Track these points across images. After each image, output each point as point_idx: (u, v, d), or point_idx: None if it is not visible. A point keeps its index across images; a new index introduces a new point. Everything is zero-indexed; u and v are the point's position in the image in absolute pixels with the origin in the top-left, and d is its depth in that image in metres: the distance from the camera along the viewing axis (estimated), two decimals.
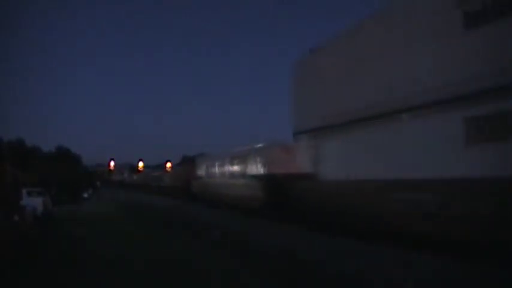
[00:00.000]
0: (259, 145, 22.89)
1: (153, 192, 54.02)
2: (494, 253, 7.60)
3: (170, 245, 11.77)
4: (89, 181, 58.82)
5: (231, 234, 13.34)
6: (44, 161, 49.96)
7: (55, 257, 10.19)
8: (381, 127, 11.53)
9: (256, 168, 21.78)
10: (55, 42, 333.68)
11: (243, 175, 23.40)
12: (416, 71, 10.33)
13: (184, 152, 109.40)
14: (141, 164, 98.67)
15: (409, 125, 10.55)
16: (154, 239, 12.97)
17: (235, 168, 25.27)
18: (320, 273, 8.05)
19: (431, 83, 9.79)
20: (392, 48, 11.30)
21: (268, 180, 18.96)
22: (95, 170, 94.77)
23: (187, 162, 47.21)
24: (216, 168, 29.31)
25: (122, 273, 8.24)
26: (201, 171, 33.18)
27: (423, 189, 9.56)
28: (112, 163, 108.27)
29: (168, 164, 77.51)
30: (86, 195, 43.87)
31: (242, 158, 24.32)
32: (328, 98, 14.35)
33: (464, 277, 7.30)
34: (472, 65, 8.75)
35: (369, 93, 12.13)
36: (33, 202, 19.02)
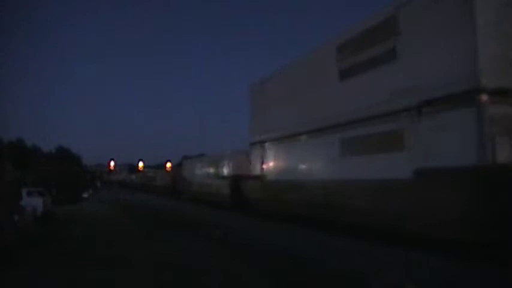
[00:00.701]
0: (228, 152, 28.03)
1: (149, 192, 57.53)
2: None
3: (165, 240, 12.97)
4: (89, 181, 58.83)
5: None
6: (44, 161, 49.79)
7: (55, 256, 10.27)
8: (299, 142, 16.28)
9: (226, 170, 26.89)
10: (55, 42, 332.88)
11: (216, 176, 28.47)
12: (314, 105, 15.11)
13: (185, 152, 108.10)
14: (141, 164, 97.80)
15: (310, 142, 15.38)
16: (152, 237, 13.47)
17: (211, 170, 30.50)
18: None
19: (322, 114, 14.49)
20: (304, 86, 15.99)
21: (231, 180, 24.03)
22: (95, 170, 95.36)
23: (175, 165, 54.03)
24: (197, 171, 34.88)
25: (122, 272, 8.37)
26: (186, 173, 38.59)
27: (317, 186, 14.37)
28: (112, 163, 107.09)
29: (168, 164, 76.34)
30: (86, 195, 43.92)
31: (216, 162, 29.63)
32: (271, 117, 18.82)
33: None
34: (345, 103, 13.17)
35: (294, 117, 16.61)
36: (33, 202, 19.32)
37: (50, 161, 50.77)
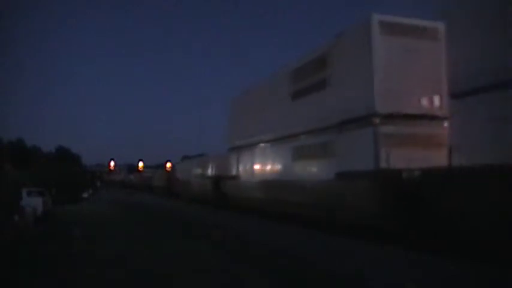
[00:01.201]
0: (213, 155, 31.94)
1: (147, 192, 60.00)
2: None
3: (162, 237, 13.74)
4: (88, 181, 58.30)
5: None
6: (44, 161, 49.35)
7: (55, 256, 10.18)
8: (263, 149, 19.89)
9: (210, 171, 30.00)
10: (55, 42, 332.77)
11: (202, 177, 31.92)
12: (274, 119, 18.62)
13: (186, 152, 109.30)
14: (141, 164, 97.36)
15: (271, 149, 18.92)
16: (151, 236, 13.88)
17: (198, 171, 33.85)
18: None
19: (279, 126, 18.03)
20: (267, 103, 19.65)
21: (213, 180, 27.71)
22: (95, 170, 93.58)
23: (160, 168, 57.18)
24: (187, 172, 38.51)
25: (122, 272, 8.41)
26: (178, 174, 42.65)
27: (274, 185, 18.00)
28: (112, 163, 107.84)
29: (168, 164, 77.19)
30: (85, 195, 43.68)
31: (202, 164, 33.07)
32: (243, 127, 22.65)
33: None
34: (295, 118, 16.50)
35: (260, 128, 20.20)
36: (33, 202, 18.99)
37: (50, 161, 50.38)
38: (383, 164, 11.22)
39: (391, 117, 11.45)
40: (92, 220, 19.72)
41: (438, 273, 7.80)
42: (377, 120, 11.47)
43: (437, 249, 8.83)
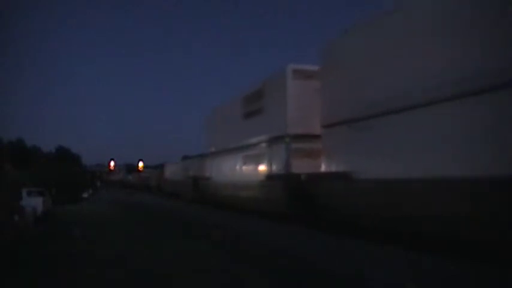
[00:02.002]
0: (192, 159, 38.61)
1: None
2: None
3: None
4: (88, 181, 59.15)
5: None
6: (44, 161, 50.35)
7: (55, 256, 10.24)
8: (225, 156, 25.21)
9: (191, 172, 35.29)
10: (55, 42, 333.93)
11: (184, 177, 37.83)
12: (232, 133, 24.35)
13: (186, 152, 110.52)
14: (141, 164, 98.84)
15: (230, 156, 24.16)
16: (151, 236, 14.21)
17: (181, 172, 40.12)
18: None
19: (235, 139, 23.16)
20: (228, 119, 25.47)
21: (192, 180, 33.28)
22: (95, 170, 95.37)
23: (159, 168, 62.74)
24: (173, 172, 45.59)
25: (122, 272, 8.49)
26: (166, 175, 50.02)
27: (231, 185, 23.43)
28: (112, 163, 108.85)
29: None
30: (85, 195, 44.31)
31: (185, 166, 39.63)
32: (214, 137, 28.09)
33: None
34: (245, 134, 21.42)
35: (224, 139, 25.76)
36: (33, 202, 19.09)
37: (50, 161, 51.41)
38: (292, 170, 16.49)
39: (298, 137, 16.68)
40: (92, 220, 19.96)
41: (438, 273, 7.78)
42: (288, 139, 16.84)
43: (436, 250, 9.07)
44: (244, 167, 21.80)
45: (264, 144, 19.16)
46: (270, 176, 18.25)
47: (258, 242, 12.42)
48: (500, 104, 8.03)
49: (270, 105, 18.85)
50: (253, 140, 20.40)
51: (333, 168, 14.05)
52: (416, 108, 10.12)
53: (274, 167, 18.07)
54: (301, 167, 16.06)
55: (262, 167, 19.34)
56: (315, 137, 15.47)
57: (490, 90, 8.21)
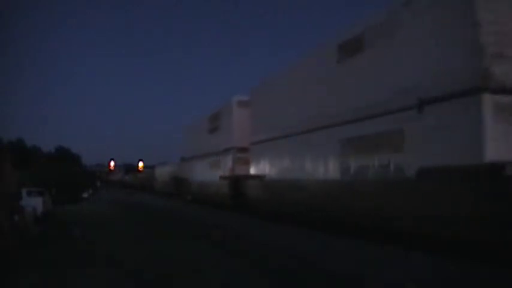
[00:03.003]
0: (174, 163, 46.87)
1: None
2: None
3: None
4: (89, 181, 58.83)
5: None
6: (44, 161, 50.65)
7: (55, 256, 10.28)
8: (196, 160, 32.49)
9: (173, 174, 43.55)
10: (55, 42, 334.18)
11: (167, 177, 47.15)
12: (202, 143, 31.54)
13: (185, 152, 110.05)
14: (141, 164, 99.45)
15: (200, 161, 31.51)
16: (151, 236, 14.29)
17: (165, 173, 49.83)
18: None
19: (203, 148, 30.78)
20: (199, 133, 31.65)
21: (174, 180, 41.54)
22: (95, 170, 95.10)
23: (150, 169, 70.95)
24: (160, 173, 55.69)
25: (122, 272, 8.57)
26: (156, 175, 58.97)
27: (201, 184, 30.79)
28: (112, 163, 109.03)
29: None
30: (85, 195, 44.45)
31: (169, 169, 48.29)
32: (190, 145, 35.58)
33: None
34: (210, 145, 27.06)
35: (196, 147, 32.58)
36: (33, 202, 19.10)
37: (50, 161, 51.33)
38: (235, 173, 23.29)
39: (241, 149, 23.08)
40: (92, 220, 20.07)
41: (438, 273, 7.86)
42: (235, 150, 23.58)
43: (436, 249, 9.19)
44: (208, 170, 28.59)
45: (220, 154, 26.02)
46: (222, 177, 25.17)
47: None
48: (347, 134, 13.02)
49: (223, 125, 25.97)
50: (214, 150, 27.13)
51: (254, 172, 21.20)
52: (302, 133, 16.19)
53: (224, 171, 24.97)
54: (241, 170, 22.83)
55: (218, 171, 26.11)
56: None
57: (351, 122, 12.83)
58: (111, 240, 13.08)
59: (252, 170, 21.44)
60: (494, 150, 8.56)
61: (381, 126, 11.41)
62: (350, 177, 12.70)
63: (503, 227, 7.86)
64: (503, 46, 8.81)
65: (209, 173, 28.24)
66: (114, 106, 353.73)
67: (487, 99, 8.69)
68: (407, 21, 10.75)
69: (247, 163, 22.25)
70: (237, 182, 22.68)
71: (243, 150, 22.80)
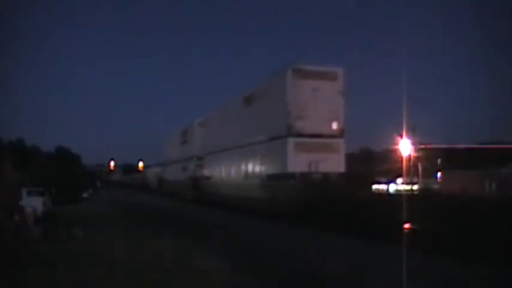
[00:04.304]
0: (159, 165, 57.33)
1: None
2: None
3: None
4: (89, 181, 57.00)
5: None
6: (44, 161, 49.98)
7: (55, 256, 10.25)
8: (171, 166, 45.48)
9: (158, 175, 55.19)
10: (55, 42, 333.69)
11: (153, 177, 59.49)
12: (175, 153, 43.57)
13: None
14: (141, 164, 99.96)
15: (172, 166, 44.70)
16: (151, 237, 14.09)
17: (153, 174, 62.71)
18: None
19: (177, 157, 42.68)
20: (175, 144, 43.60)
21: (158, 179, 54.12)
22: (95, 170, 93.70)
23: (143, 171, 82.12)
24: (149, 174, 68.99)
25: (122, 272, 8.56)
26: (147, 176, 69.85)
27: (174, 183, 42.50)
28: (112, 163, 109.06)
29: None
30: (85, 195, 43.97)
31: (155, 170, 61.56)
32: (169, 152, 46.97)
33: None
34: (182, 153, 39.50)
35: (171, 156, 45.84)
36: (33, 202, 18.84)
37: (50, 161, 50.62)
38: (197, 174, 32.17)
39: (200, 157, 32.27)
40: (92, 220, 20.03)
41: (438, 273, 7.92)
42: (196, 158, 32.70)
43: (436, 249, 9.65)
44: (180, 172, 38.01)
45: (187, 160, 35.17)
46: (187, 177, 34.32)
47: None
48: (242, 153, 24.42)
49: (189, 138, 35.54)
50: (184, 157, 36.71)
51: (206, 174, 30.47)
52: (226, 150, 26.19)
53: (190, 172, 33.99)
54: (199, 173, 32.05)
55: (186, 173, 35.24)
56: None
57: (243, 146, 23.20)
58: (111, 241, 13.16)
59: (206, 173, 31.10)
60: (292, 166, 17.61)
61: (255, 148, 21.18)
62: (242, 179, 22.86)
63: (299, 205, 16.42)
64: (300, 112, 17.85)
65: (179, 174, 38.31)
66: (114, 106, 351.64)
67: (291, 140, 17.81)
68: (268, 90, 20.70)
69: (203, 167, 32.04)
70: (196, 180, 32.44)
71: (201, 158, 32.41)
